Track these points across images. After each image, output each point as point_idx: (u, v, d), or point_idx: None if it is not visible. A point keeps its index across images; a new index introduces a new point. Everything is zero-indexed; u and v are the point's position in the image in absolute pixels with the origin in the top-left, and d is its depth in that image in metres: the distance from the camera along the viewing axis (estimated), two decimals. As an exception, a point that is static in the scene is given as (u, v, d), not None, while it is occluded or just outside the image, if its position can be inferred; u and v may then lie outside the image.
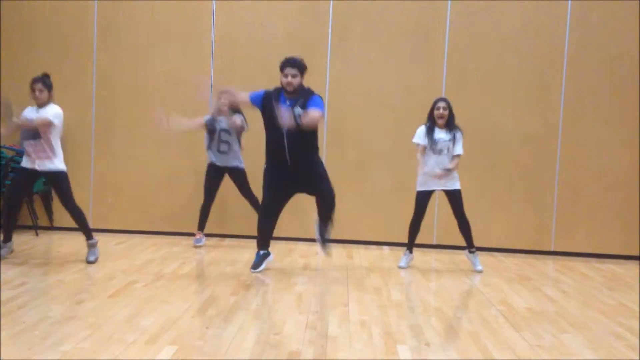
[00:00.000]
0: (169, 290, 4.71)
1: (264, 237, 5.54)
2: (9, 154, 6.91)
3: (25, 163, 5.53)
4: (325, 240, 5.56)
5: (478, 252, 6.02)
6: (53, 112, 5.40)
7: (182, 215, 7.08)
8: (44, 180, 7.12)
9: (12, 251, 5.69)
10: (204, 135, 6.64)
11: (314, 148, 5.32)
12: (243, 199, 6.62)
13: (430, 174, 5.71)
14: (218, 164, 6.50)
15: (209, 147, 6.52)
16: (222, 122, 6.45)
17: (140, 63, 7.21)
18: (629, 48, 6.87)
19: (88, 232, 5.62)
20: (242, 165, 6.53)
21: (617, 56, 6.89)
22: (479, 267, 5.90)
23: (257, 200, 6.37)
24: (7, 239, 5.61)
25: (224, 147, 6.46)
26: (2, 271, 5.02)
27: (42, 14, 7.23)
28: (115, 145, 7.27)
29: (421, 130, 5.80)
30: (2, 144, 7.00)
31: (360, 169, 7.12)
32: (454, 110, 5.83)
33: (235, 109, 6.39)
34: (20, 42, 7.24)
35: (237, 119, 6.37)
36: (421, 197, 5.84)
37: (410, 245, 6.02)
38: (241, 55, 7.15)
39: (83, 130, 7.25)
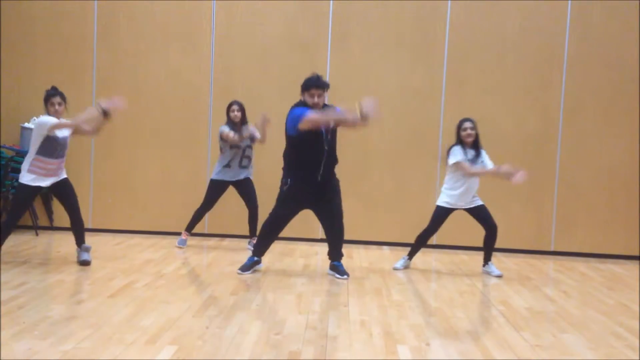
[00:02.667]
0: (169, 290, 4.71)
1: (264, 246, 5.51)
2: (9, 153, 6.91)
3: (40, 182, 5.27)
4: (343, 272, 5.41)
5: (478, 252, 6.01)
6: None
7: (182, 215, 7.07)
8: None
9: None
10: (208, 137, 6.63)
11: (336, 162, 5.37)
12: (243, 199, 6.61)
13: (464, 194, 5.61)
14: (233, 179, 6.36)
15: (229, 165, 6.30)
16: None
17: (140, 63, 7.21)
18: (629, 48, 6.87)
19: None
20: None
21: (617, 56, 6.89)
22: (498, 272, 5.75)
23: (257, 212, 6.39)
24: None
25: (245, 162, 6.36)
26: (2, 271, 5.02)
27: (42, 14, 7.23)
28: (115, 145, 7.27)
29: (457, 149, 5.63)
30: (2, 144, 7.01)
31: (360, 169, 7.12)
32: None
33: (245, 121, 6.34)
34: (20, 42, 7.24)
35: (254, 130, 6.31)
36: (442, 213, 5.70)
37: (413, 253, 5.93)
38: (241, 55, 7.15)
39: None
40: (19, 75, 7.18)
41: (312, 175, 5.15)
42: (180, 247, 6.48)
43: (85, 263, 5.39)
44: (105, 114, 5.16)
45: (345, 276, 5.34)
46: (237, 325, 3.88)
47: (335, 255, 5.48)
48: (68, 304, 4.22)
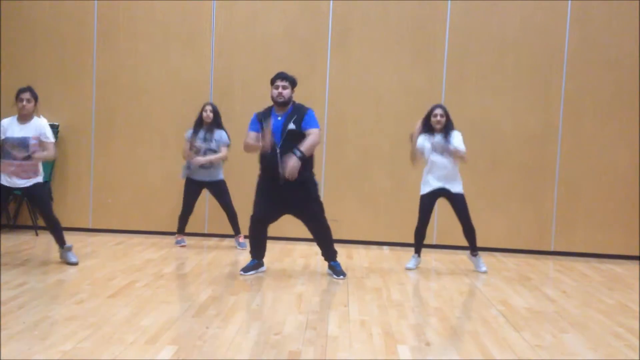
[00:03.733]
0: (169, 290, 4.71)
1: (258, 247, 5.47)
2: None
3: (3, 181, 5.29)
4: (339, 272, 5.41)
5: (480, 253, 6.01)
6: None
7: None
8: (45, 180, 7.14)
9: None
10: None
11: (308, 165, 5.19)
12: (243, 200, 6.61)
13: (434, 172, 5.70)
14: (200, 179, 6.56)
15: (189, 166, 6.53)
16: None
17: (140, 63, 7.21)
18: (629, 48, 6.87)
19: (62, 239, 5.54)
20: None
21: (617, 56, 6.89)
22: (484, 268, 5.87)
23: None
24: None
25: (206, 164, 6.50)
26: (2, 271, 5.02)
27: (42, 14, 7.23)
28: (115, 145, 7.27)
29: (422, 141, 5.76)
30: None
31: (360, 169, 7.13)
32: (451, 115, 5.81)
33: (220, 125, 6.50)
34: (20, 42, 7.24)
35: (220, 138, 6.50)
36: (426, 202, 5.79)
37: (418, 248, 5.96)
38: (241, 55, 7.15)
39: (83, 130, 7.25)
40: (19, 75, 7.17)
41: (273, 176, 5.11)
42: (183, 246, 6.58)
43: (72, 264, 5.42)
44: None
45: (342, 276, 5.35)
46: (237, 325, 3.88)
47: (328, 255, 5.49)
48: (68, 304, 4.22)
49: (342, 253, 6.52)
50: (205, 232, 7.23)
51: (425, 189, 5.79)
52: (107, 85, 7.23)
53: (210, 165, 6.45)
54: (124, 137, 7.25)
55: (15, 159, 5.26)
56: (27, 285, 4.66)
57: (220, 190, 6.56)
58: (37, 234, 6.92)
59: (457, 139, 5.72)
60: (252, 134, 5.25)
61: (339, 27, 7.08)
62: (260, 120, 5.23)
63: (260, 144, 5.08)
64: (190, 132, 6.53)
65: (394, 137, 7.06)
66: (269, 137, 5.04)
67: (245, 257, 6.08)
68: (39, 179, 5.41)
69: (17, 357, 3.18)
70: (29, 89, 5.34)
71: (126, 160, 7.27)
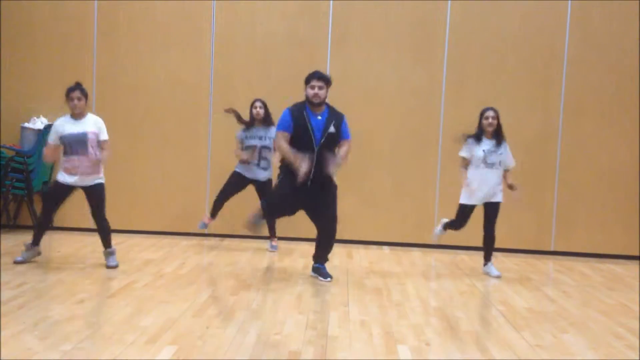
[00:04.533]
0: (169, 290, 4.71)
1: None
2: (9, 153, 6.91)
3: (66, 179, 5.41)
4: (326, 275, 5.33)
5: (478, 252, 6.01)
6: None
7: (182, 215, 7.08)
8: (45, 180, 7.15)
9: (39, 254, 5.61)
10: (208, 137, 6.63)
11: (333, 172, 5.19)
12: (243, 199, 6.62)
13: (479, 188, 5.52)
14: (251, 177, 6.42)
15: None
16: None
17: (140, 63, 7.21)
18: (629, 48, 6.87)
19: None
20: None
21: (617, 56, 6.89)
22: (497, 273, 5.70)
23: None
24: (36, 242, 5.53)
25: (264, 164, 6.37)
26: (2, 271, 5.02)
27: (42, 14, 7.23)
28: (115, 145, 7.24)
29: (470, 141, 5.57)
30: (2, 144, 7.01)
31: (360, 169, 7.12)
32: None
33: (271, 121, 6.33)
34: (20, 42, 7.24)
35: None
36: (467, 211, 5.62)
37: (487, 256, 5.79)
38: (241, 55, 7.15)
39: (106, 132, 7.23)
40: (19, 75, 7.18)
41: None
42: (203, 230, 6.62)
43: (110, 267, 5.42)
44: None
45: (329, 278, 5.26)
46: (237, 325, 3.88)
47: (321, 257, 5.41)
48: (68, 304, 4.22)
49: (342, 253, 6.53)
50: (205, 232, 7.23)
51: (468, 201, 5.59)
52: (107, 85, 7.23)
53: (268, 166, 6.35)
54: (124, 137, 7.24)
55: (78, 154, 5.31)
56: (27, 285, 4.66)
57: (265, 188, 6.37)
58: (37, 234, 6.91)
59: (509, 154, 5.57)
60: (287, 135, 5.10)
61: (339, 27, 7.08)
62: (294, 118, 5.10)
63: (300, 165, 4.93)
64: (241, 132, 6.36)
65: (394, 137, 7.06)
66: (307, 167, 4.95)
67: (245, 257, 6.08)
68: (102, 178, 5.55)
69: (17, 357, 3.18)
70: (79, 88, 5.34)
71: (126, 160, 7.26)
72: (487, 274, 5.77)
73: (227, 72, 7.16)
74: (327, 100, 5.27)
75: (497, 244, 6.20)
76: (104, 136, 5.47)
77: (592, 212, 6.97)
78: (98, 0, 7.20)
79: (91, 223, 7.25)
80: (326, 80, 5.17)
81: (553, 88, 6.97)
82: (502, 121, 5.62)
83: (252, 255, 6.17)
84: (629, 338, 3.94)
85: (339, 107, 7.02)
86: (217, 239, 7.13)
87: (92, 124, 5.38)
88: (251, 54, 7.13)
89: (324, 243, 5.39)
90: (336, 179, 5.33)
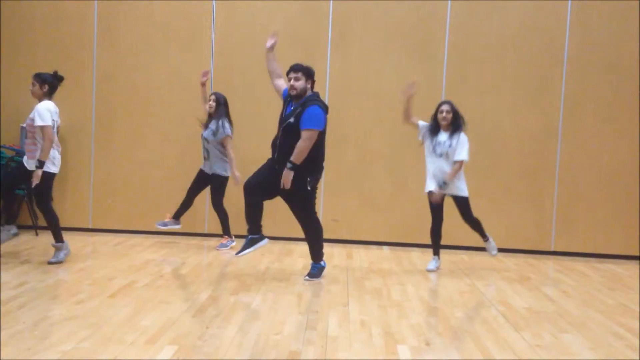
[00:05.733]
0: (169, 290, 4.71)
1: (253, 221, 5.33)
2: (9, 153, 6.91)
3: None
4: (312, 275, 5.31)
5: (478, 252, 6.01)
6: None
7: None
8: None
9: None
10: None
11: (307, 167, 5.05)
12: (242, 200, 6.62)
13: (434, 176, 5.72)
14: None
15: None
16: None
17: (140, 63, 7.21)
18: (629, 48, 6.87)
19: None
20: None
21: (617, 56, 6.89)
22: (494, 252, 6.08)
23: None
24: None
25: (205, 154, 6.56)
26: (2, 271, 5.02)
27: (42, 14, 7.22)
28: (115, 145, 7.27)
29: (423, 124, 5.83)
30: (2, 144, 7.01)
31: (360, 169, 7.12)
32: (460, 113, 5.81)
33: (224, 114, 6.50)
34: (20, 42, 7.24)
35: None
36: (429, 200, 5.80)
37: (436, 250, 5.93)
38: (241, 55, 7.15)
39: (83, 130, 7.25)
40: (19, 75, 7.17)
41: (272, 156, 5.23)
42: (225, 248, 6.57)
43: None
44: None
45: (315, 279, 5.24)
46: (237, 325, 3.88)
47: (311, 254, 5.43)
48: (68, 304, 4.22)
49: (342, 253, 6.53)
50: (205, 232, 7.23)
51: (427, 189, 5.81)
52: (107, 85, 7.23)
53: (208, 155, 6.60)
54: (124, 137, 7.25)
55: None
56: (27, 285, 4.66)
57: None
58: (37, 234, 6.91)
59: (460, 146, 5.62)
60: (281, 82, 5.37)
61: (339, 27, 7.08)
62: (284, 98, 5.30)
63: None
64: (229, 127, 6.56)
65: (394, 137, 7.05)
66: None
67: (245, 257, 6.08)
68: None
69: (17, 357, 3.18)
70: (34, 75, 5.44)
71: (126, 159, 7.26)
72: (488, 251, 6.12)
73: (227, 72, 7.16)
74: (315, 92, 5.24)
75: (497, 244, 6.21)
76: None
77: (592, 212, 6.97)
78: (98, 0, 7.20)
79: (91, 223, 7.30)
80: (304, 71, 5.11)
81: (553, 88, 6.97)
82: (460, 115, 5.80)
83: (252, 256, 6.16)
84: (629, 338, 3.94)
85: (339, 107, 7.06)
86: (217, 239, 7.13)
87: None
88: (251, 54, 7.12)
89: (306, 238, 5.41)
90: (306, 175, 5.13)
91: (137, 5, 7.19)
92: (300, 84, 5.08)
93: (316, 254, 5.38)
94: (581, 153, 6.96)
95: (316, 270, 5.34)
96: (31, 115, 5.34)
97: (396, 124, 7.07)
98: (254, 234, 5.23)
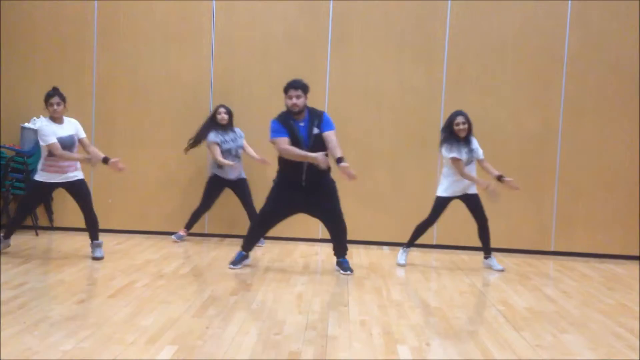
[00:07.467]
0: (169, 290, 4.71)
1: (251, 241, 5.73)
2: (9, 153, 6.91)
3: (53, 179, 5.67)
4: (346, 268, 5.58)
5: (478, 252, 6.02)
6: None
7: (182, 215, 7.07)
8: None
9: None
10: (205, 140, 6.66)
11: (329, 168, 5.40)
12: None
13: (466, 181, 5.81)
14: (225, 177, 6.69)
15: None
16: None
17: (140, 63, 7.21)
18: (629, 48, 6.86)
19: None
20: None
21: (617, 56, 6.89)
22: (499, 267, 5.99)
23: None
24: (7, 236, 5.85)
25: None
26: (2, 271, 5.02)
27: (42, 14, 7.22)
28: (115, 146, 7.26)
29: (454, 145, 5.78)
30: (2, 144, 7.01)
31: (360, 169, 7.08)
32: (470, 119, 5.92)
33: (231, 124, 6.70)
34: (20, 42, 7.24)
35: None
36: (442, 203, 5.91)
37: (411, 242, 6.04)
38: (241, 55, 7.15)
39: (83, 130, 7.23)
40: (19, 75, 7.18)
41: (296, 179, 5.35)
42: (176, 242, 6.76)
43: (96, 259, 5.69)
44: (105, 161, 5.60)
45: (349, 272, 5.51)
46: (237, 325, 3.88)
47: (340, 251, 5.67)
48: (68, 304, 4.22)
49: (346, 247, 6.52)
50: (205, 232, 7.23)
51: (444, 193, 5.88)
52: (107, 85, 7.23)
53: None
54: (124, 137, 7.25)
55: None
56: (27, 285, 4.66)
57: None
58: (37, 234, 6.91)
59: (477, 147, 5.90)
60: (287, 140, 5.32)
61: (339, 27, 7.08)
62: (285, 126, 5.32)
63: (318, 159, 5.17)
64: (214, 135, 6.64)
65: (394, 137, 7.06)
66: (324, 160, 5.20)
67: (254, 257, 6.08)
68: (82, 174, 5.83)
69: (17, 357, 3.18)
70: (57, 94, 5.60)
71: (126, 160, 7.23)
72: (490, 267, 6.07)
73: (227, 72, 7.16)
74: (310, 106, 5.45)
75: (497, 244, 6.22)
76: (83, 134, 5.83)
77: (592, 212, 6.97)
78: (98, 0, 7.20)
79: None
80: (303, 88, 5.35)
81: (553, 88, 6.97)
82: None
83: (251, 256, 6.16)
84: (629, 338, 3.94)
85: (339, 107, 7.07)
86: (217, 239, 7.13)
87: (73, 128, 5.72)
88: (251, 54, 7.13)
89: (337, 238, 5.65)
90: (334, 176, 5.46)
91: (137, 5, 7.18)
92: (301, 100, 5.34)
93: (345, 249, 5.69)
94: (581, 153, 6.96)
95: (349, 264, 5.61)
96: (79, 132, 5.75)
97: (396, 124, 7.08)
98: (246, 252, 5.70)
